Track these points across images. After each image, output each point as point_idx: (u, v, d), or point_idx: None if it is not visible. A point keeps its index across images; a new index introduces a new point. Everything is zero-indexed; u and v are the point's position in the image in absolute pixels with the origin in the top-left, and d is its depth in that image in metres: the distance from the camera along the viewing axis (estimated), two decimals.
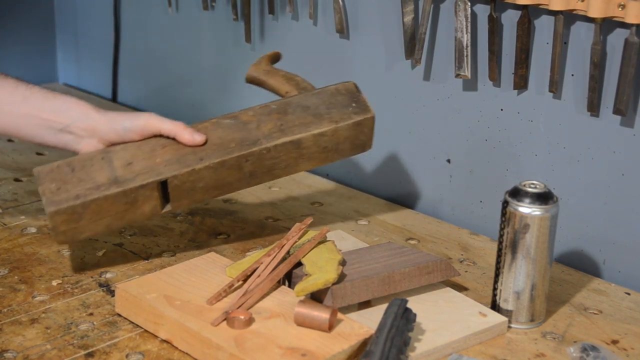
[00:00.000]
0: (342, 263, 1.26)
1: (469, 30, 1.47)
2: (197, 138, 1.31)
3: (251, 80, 1.37)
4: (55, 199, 1.24)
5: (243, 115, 1.31)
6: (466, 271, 1.40)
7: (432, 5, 1.52)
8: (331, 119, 1.34)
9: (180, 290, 1.22)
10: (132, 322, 1.22)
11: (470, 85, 1.53)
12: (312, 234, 1.31)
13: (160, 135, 1.32)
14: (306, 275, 1.22)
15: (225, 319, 1.15)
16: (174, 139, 1.32)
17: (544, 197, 1.21)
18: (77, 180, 1.22)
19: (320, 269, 1.22)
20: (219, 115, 1.34)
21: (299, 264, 1.26)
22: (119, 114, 1.35)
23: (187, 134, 1.31)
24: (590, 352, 1.16)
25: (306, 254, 1.27)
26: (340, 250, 1.29)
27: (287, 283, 1.26)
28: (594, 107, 1.37)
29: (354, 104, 1.36)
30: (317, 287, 1.18)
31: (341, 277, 1.22)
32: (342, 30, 1.66)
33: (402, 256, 1.30)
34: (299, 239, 1.30)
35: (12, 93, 1.34)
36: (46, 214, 1.25)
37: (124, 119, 1.33)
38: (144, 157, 1.26)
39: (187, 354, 1.15)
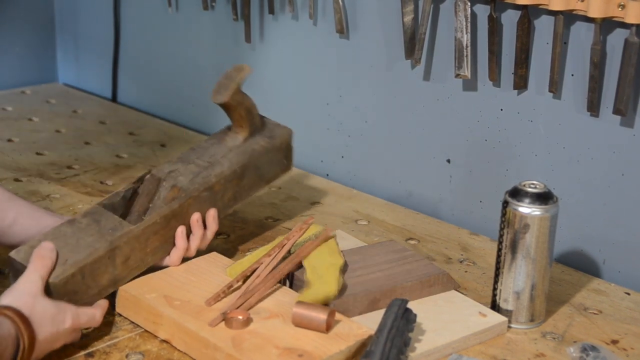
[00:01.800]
0: (344, 269, 1.26)
1: (469, 30, 1.47)
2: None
3: (223, 106, 1.37)
4: None
5: (217, 184, 1.33)
6: (466, 271, 1.40)
7: (432, 5, 1.52)
8: (266, 179, 1.42)
9: (180, 290, 1.22)
10: (132, 322, 1.21)
11: (470, 85, 1.53)
12: (315, 228, 1.31)
13: (121, 196, 1.31)
14: (306, 283, 1.22)
15: (223, 319, 1.15)
16: (130, 198, 1.31)
17: (544, 197, 1.21)
18: (86, 287, 1.20)
19: (320, 278, 1.21)
20: (198, 185, 1.31)
21: (301, 265, 1.26)
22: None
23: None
24: (590, 352, 1.16)
25: (308, 254, 1.27)
26: (341, 251, 1.29)
27: (287, 283, 1.26)
28: (594, 107, 1.37)
29: (284, 160, 1.44)
30: (317, 302, 1.18)
31: (342, 288, 1.22)
32: (342, 30, 1.66)
33: (405, 264, 1.31)
34: (300, 236, 1.30)
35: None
36: None
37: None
38: (140, 248, 1.26)
39: (186, 354, 1.15)
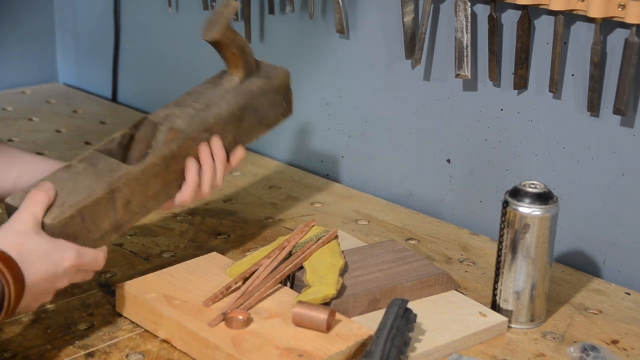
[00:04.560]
0: (344, 271, 1.26)
1: (469, 30, 1.47)
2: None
3: (214, 43, 1.34)
4: None
5: (215, 126, 1.28)
6: (466, 271, 1.40)
7: (432, 5, 1.52)
8: (267, 123, 1.36)
9: (180, 290, 1.22)
10: (132, 322, 1.22)
11: (470, 85, 1.53)
12: (316, 229, 1.31)
13: (117, 143, 1.28)
14: (306, 285, 1.22)
15: (223, 319, 1.15)
16: (127, 145, 1.27)
17: (544, 197, 1.21)
18: (87, 231, 1.17)
19: (320, 279, 1.21)
20: (196, 126, 1.27)
21: (302, 266, 1.26)
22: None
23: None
24: (590, 352, 1.16)
25: (310, 256, 1.27)
26: (342, 252, 1.30)
27: (288, 284, 1.26)
28: (594, 107, 1.37)
29: (284, 103, 1.38)
30: (317, 302, 1.18)
31: (342, 289, 1.22)
32: (342, 30, 1.66)
33: (405, 264, 1.31)
34: (302, 238, 1.30)
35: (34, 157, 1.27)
36: None
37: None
38: (141, 190, 1.22)
39: (186, 354, 1.15)
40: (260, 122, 1.35)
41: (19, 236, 1.04)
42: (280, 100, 1.37)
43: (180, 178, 1.27)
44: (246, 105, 1.32)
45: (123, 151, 1.27)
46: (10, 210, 1.16)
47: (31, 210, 1.07)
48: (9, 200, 1.16)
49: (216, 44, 1.31)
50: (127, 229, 1.22)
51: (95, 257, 1.11)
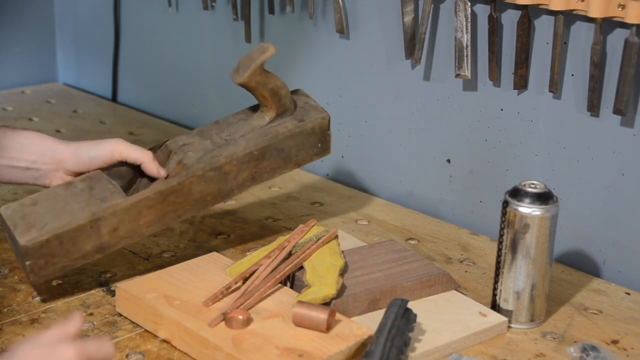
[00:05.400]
0: (344, 271, 1.26)
1: (469, 30, 1.47)
2: (162, 173, 1.28)
3: (242, 86, 1.35)
4: (42, 274, 1.23)
5: (227, 165, 1.31)
6: (466, 271, 1.40)
7: (432, 5, 1.52)
8: (296, 162, 1.37)
9: (180, 290, 1.22)
10: (132, 322, 1.21)
11: (470, 85, 1.53)
12: (316, 229, 1.31)
13: (127, 164, 1.31)
14: (306, 285, 1.22)
15: (223, 320, 1.15)
16: (139, 166, 1.30)
17: (544, 197, 1.21)
18: (65, 252, 1.21)
19: (320, 279, 1.21)
20: (204, 164, 1.30)
21: (302, 266, 1.26)
22: (84, 143, 1.30)
23: (154, 166, 1.29)
24: (590, 352, 1.16)
25: (310, 256, 1.27)
26: (342, 252, 1.29)
27: (288, 284, 1.26)
28: (594, 107, 1.37)
29: (319, 144, 1.39)
30: (317, 302, 1.18)
31: (342, 289, 1.22)
32: (342, 30, 1.66)
33: (405, 264, 1.31)
34: (302, 238, 1.30)
35: None
36: (27, 278, 1.25)
37: (89, 148, 1.29)
38: (130, 220, 1.25)
39: (186, 354, 1.15)
40: (286, 161, 1.36)
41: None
42: (314, 142, 1.38)
43: (180, 209, 1.29)
44: (269, 147, 1.33)
45: (135, 171, 1.31)
46: (2, 219, 1.22)
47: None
48: (2, 210, 1.22)
49: (243, 87, 1.33)
50: (114, 249, 1.25)
51: (100, 345, 0.98)
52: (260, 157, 1.33)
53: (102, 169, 1.29)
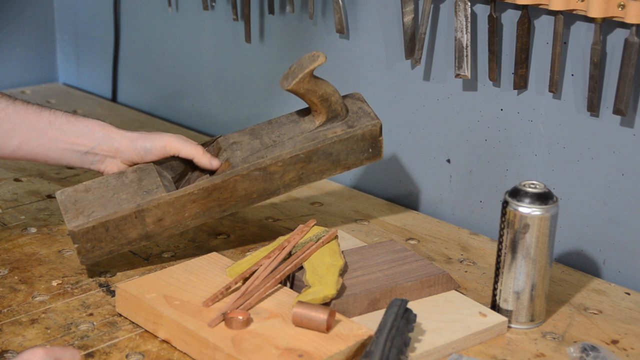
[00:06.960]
0: (343, 271, 1.26)
1: (469, 30, 1.47)
2: (214, 164, 1.35)
3: (292, 92, 1.37)
4: (89, 256, 1.31)
5: (272, 166, 1.35)
6: (466, 271, 1.40)
7: (432, 5, 1.52)
8: (345, 165, 1.40)
9: (180, 290, 1.22)
10: (132, 322, 1.22)
11: (470, 85, 1.53)
12: (316, 229, 1.31)
13: (179, 158, 1.38)
14: (306, 285, 1.22)
15: (223, 320, 1.15)
16: (191, 161, 1.36)
17: (544, 197, 1.21)
18: (111, 238, 1.30)
19: (320, 279, 1.21)
20: (249, 164, 1.34)
21: (301, 266, 1.26)
22: (140, 134, 1.37)
23: (205, 159, 1.35)
24: (590, 352, 1.16)
25: (310, 256, 1.27)
26: (342, 252, 1.29)
27: (288, 284, 1.26)
28: (594, 107, 1.37)
29: (370, 149, 1.41)
30: (317, 302, 1.18)
31: (341, 289, 1.22)
32: (342, 30, 1.66)
33: (405, 264, 1.31)
34: (302, 238, 1.30)
35: (38, 119, 1.35)
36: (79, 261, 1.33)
37: (145, 140, 1.36)
38: (175, 212, 1.32)
39: (186, 354, 1.15)
40: (335, 164, 1.39)
41: None
42: (365, 147, 1.40)
43: (225, 205, 1.35)
44: (316, 151, 1.37)
45: (186, 165, 1.38)
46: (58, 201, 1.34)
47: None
48: (57, 194, 1.33)
49: (293, 93, 1.36)
50: (161, 238, 1.34)
51: (72, 354, 0.99)
52: (306, 160, 1.37)
53: (155, 162, 1.37)
